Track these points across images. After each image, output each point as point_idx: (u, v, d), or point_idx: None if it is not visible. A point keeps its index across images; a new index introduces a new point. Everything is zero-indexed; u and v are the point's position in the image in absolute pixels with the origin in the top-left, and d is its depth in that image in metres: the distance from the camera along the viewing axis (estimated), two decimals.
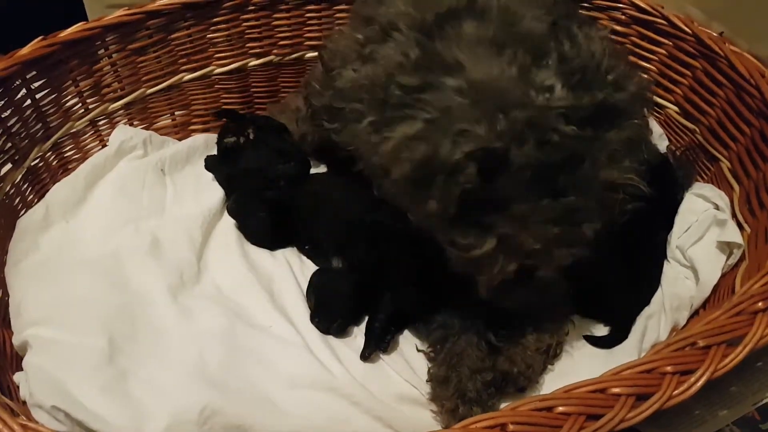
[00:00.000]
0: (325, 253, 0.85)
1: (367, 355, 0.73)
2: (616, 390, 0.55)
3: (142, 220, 0.86)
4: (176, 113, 1.03)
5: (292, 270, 0.85)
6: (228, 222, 0.89)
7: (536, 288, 0.62)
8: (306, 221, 0.87)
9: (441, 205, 0.58)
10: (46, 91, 0.85)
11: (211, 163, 0.95)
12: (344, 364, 0.72)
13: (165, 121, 1.02)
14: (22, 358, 0.68)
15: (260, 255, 0.86)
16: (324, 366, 0.71)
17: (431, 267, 0.70)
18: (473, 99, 0.55)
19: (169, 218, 0.87)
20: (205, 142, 1.01)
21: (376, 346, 0.73)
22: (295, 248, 0.88)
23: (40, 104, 0.85)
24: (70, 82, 0.88)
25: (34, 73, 0.83)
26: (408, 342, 0.77)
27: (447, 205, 0.58)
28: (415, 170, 0.58)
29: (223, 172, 0.94)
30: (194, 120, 1.05)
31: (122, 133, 0.94)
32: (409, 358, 0.75)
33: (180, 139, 1.03)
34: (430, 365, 0.72)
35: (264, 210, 0.87)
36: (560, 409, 0.57)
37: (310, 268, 0.86)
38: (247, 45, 1.02)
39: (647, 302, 0.77)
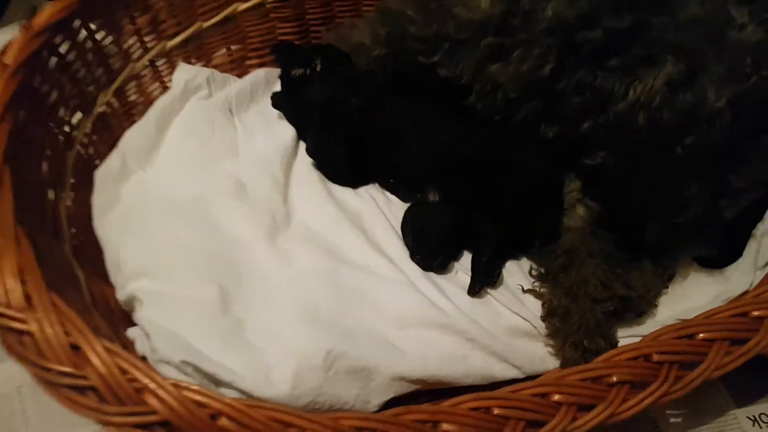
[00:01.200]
0: (413, 186, 0.81)
1: (476, 290, 0.71)
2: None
3: (218, 162, 0.82)
4: (232, 47, 0.97)
5: (378, 206, 0.82)
6: (305, 160, 0.85)
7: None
8: (388, 155, 0.83)
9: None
10: (104, 30, 0.79)
11: (278, 100, 0.90)
12: (453, 301, 0.70)
13: (221, 58, 0.96)
14: (128, 314, 0.66)
15: (344, 193, 0.83)
16: (433, 303, 0.69)
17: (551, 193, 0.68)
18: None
19: (245, 159, 0.83)
20: (266, 78, 0.95)
21: (485, 281, 0.71)
22: (377, 184, 0.85)
23: (101, 45, 0.79)
24: (128, 19, 0.82)
25: (92, 11, 0.77)
26: (511, 275, 0.75)
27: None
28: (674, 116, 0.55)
29: (291, 109, 0.89)
30: (250, 54, 0.99)
31: (185, 72, 0.88)
32: (516, 291, 0.73)
33: (238, 76, 0.97)
34: (545, 298, 0.70)
35: (341, 146, 0.83)
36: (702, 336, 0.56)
37: (396, 204, 0.83)
38: None
39: (760, 218, 0.74)
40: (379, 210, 0.81)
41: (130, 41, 0.83)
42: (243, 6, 0.94)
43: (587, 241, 0.69)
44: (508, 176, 0.73)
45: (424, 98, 0.83)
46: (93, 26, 0.77)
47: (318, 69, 0.90)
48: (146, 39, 0.86)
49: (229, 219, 0.74)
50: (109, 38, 0.80)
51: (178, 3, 0.87)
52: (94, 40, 0.77)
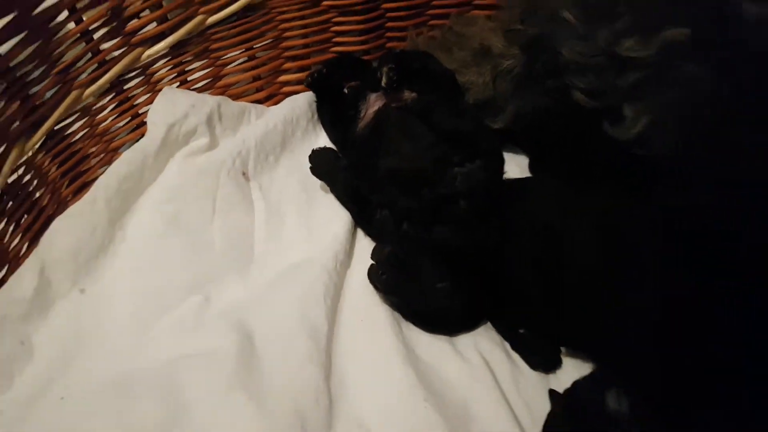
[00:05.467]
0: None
1: None
2: None
3: (215, 284, 0.46)
4: (258, 55, 0.59)
5: (497, 383, 0.44)
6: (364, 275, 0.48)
7: None
8: (518, 279, 0.46)
9: None
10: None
11: (320, 164, 0.53)
12: None
13: (238, 74, 0.59)
14: None
15: (435, 350, 0.46)
16: None
17: None
18: None
19: (264, 279, 0.47)
20: (310, 109, 0.58)
21: None
22: (491, 329, 0.48)
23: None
24: (66, 14, 0.45)
25: None
26: None
27: None
28: None
29: (342, 181, 0.52)
30: (286, 65, 0.61)
31: (170, 105, 0.51)
32: None
33: (266, 102, 0.60)
34: None
35: (441, 271, 0.45)
36: None
37: (529, 374, 0.46)
38: None
39: None
40: (500, 394, 0.43)
41: (67, 55, 0.46)
42: None
43: None
44: None
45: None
46: None
47: (394, 103, 0.52)
48: (104, 45, 0.49)
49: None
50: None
51: None
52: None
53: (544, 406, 0.43)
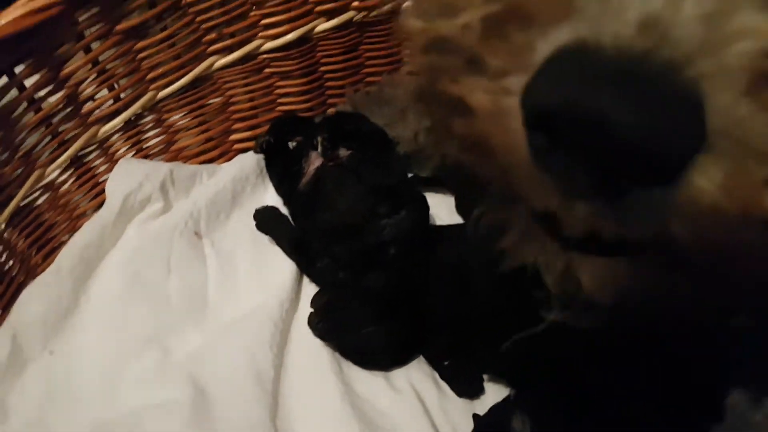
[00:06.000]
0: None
1: None
2: None
3: (173, 336, 0.51)
4: (208, 121, 0.65)
5: (426, 411, 0.50)
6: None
7: None
8: (441, 315, 0.52)
9: None
10: None
11: (265, 220, 0.58)
12: None
13: (191, 138, 0.64)
14: None
15: (371, 386, 0.51)
16: None
17: None
18: None
19: (216, 327, 0.53)
20: (258, 165, 0.64)
21: None
22: (423, 361, 0.53)
23: None
24: (25, 105, 0.51)
25: None
26: None
27: None
28: None
29: (286, 234, 0.57)
30: (236, 126, 0.67)
31: (126, 175, 0.57)
32: None
33: (219, 160, 0.66)
34: None
35: (372, 314, 0.51)
36: None
37: (456, 403, 0.51)
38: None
39: None
40: (429, 421, 0.49)
41: (31, 139, 0.52)
42: (222, 60, 0.61)
43: None
44: None
45: None
46: None
47: (331, 161, 0.58)
48: (62, 128, 0.54)
49: None
50: None
51: (115, 65, 0.55)
52: None
53: (469, 429, 0.49)
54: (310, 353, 0.52)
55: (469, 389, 0.51)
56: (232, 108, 0.65)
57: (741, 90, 0.18)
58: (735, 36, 0.18)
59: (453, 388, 0.51)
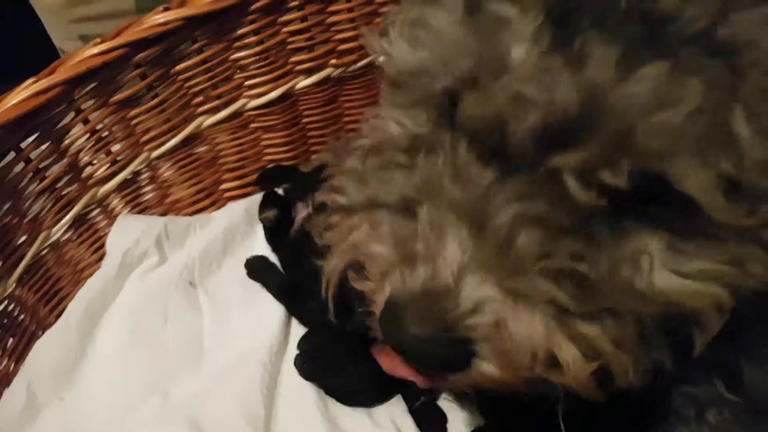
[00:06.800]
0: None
1: None
2: None
3: (171, 381, 0.56)
4: (199, 174, 0.70)
5: None
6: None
7: None
8: None
9: None
10: None
11: (256, 268, 0.63)
12: None
13: (184, 190, 0.69)
14: None
15: (355, 422, 0.56)
16: None
17: None
18: None
19: (211, 372, 0.57)
20: (247, 213, 0.69)
21: None
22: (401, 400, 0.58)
23: None
24: (31, 175, 0.56)
25: None
26: None
27: None
28: None
29: (276, 284, 0.62)
30: (225, 176, 0.72)
31: (124, 232, 0.62)
32: None
33: (211, 208, 0.71)
34: None
35: (351, 356, 0.56)
36: None
37: None
38: (291, 60, 0.67)
39: None
40: None
41: (36, 206, 0.57)
42: (210, 119, 0.67)
43: None
44: None
45: None
46: None
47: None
48: (66, 192, 0.59)
49: None
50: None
51: (112, 132, 0.61)
52: None
53: None
54: (298, 393, 0.57)
55: (433, 427, 0.56)
56: (221, 161, 0.70)
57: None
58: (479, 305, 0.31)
59: (418, 425, 0.56)
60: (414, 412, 0.56)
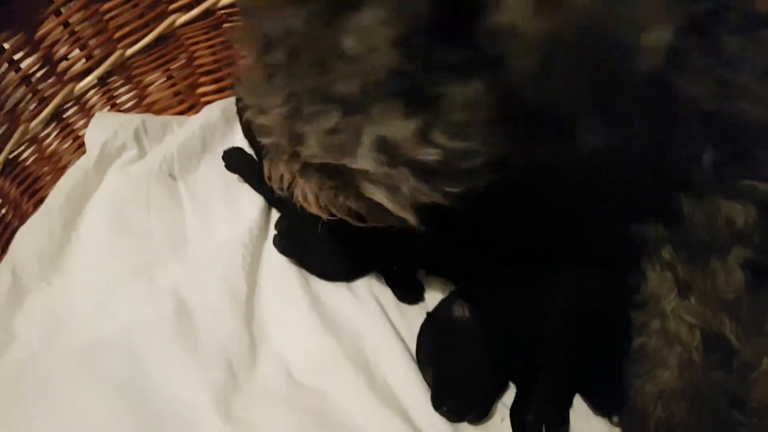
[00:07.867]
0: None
1: None
2: None
3: (156, 267, 0.58)
4: (175, 75, 0.70)
5: (386, 314, 0.57)
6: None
7: None
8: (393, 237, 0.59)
9: None
10: None
11: (234, 160, 0.64)
12: None
13: (160, 91, 0.70)
14: None
15: (334, 295, 0.58)
16: None
17: None
18: None
19: (194, 259, 0.59)
20: (224, 115, 0.70)
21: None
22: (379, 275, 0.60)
23: None
24: (6, 66, 0.57)
25: None
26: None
27: None
28: None
29: (255, 175, 0.64)
30: (202, 80, 0.72)
31: (102, 127, 0.63)
32: None
33: (189, 112, 0.72)
34: None
35: (327, 234, 0.58)
36: None
37: (413, 309, 0.58)
38: None
39: None
40: (387, 321, 0.56)
41: (17, 92, 0.58)
42: (183, 17, 0.67)
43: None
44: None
45: None
46: None
47: None
48: (41, 86, 0.60)
49: (166, 376, 0.51)
50: None
51: (84, 28, 0.61)
52: None
53: None
54: (279, 272, 0.59)
55: (410, 296, 0.58)
56: (196, 62, 0.71)
57: None
58: None
59: (395, 294, 0.59)
60: (392, 284, 0.59)
